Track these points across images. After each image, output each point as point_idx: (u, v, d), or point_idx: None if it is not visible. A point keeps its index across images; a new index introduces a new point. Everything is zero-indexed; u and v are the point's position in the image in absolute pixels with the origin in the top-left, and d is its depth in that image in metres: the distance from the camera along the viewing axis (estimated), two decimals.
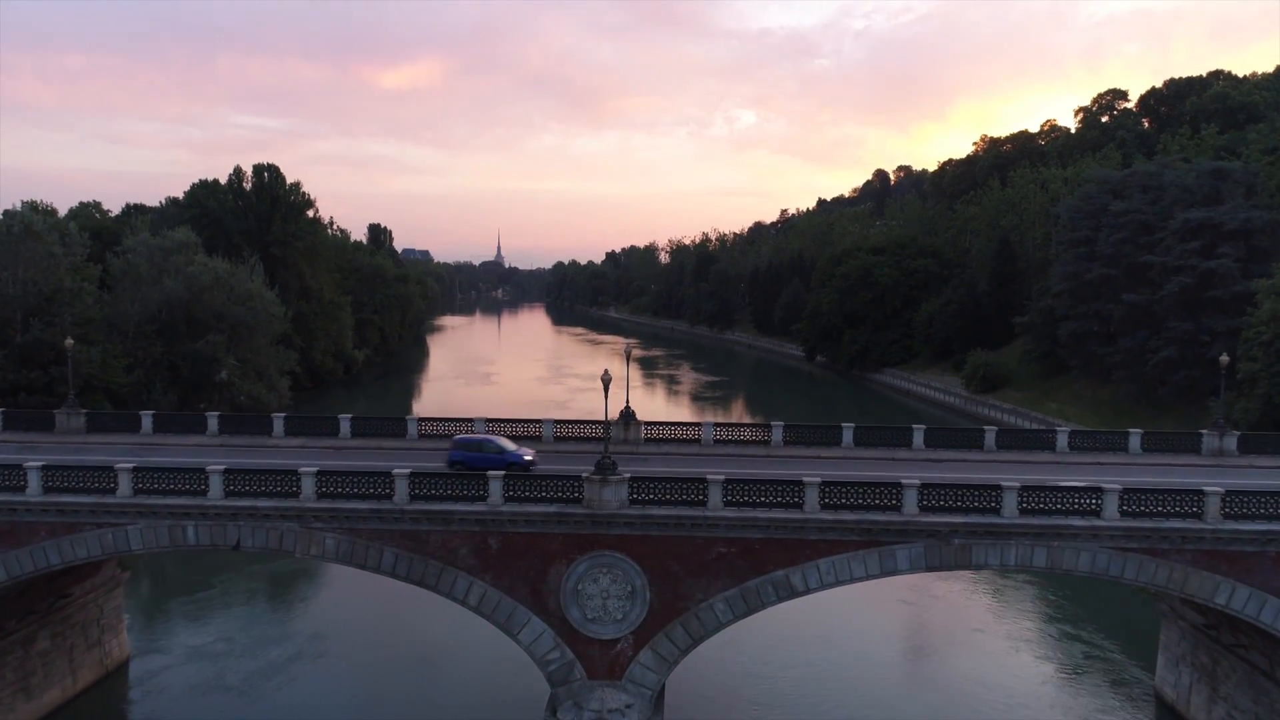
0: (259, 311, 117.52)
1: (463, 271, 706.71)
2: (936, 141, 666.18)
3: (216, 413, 50.35)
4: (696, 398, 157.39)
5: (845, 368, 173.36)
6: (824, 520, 34.14)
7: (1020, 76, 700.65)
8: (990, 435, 46.87)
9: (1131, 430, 47.21)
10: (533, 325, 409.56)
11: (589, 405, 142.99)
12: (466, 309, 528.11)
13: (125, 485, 35.73)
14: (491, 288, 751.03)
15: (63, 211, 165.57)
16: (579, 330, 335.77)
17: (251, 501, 35.51)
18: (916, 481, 34.65)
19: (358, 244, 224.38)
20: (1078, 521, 34.05)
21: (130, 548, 36.28)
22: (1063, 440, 46.77)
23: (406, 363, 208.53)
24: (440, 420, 49.36)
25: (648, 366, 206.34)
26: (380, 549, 35.71)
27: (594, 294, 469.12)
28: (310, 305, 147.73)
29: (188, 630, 54.50)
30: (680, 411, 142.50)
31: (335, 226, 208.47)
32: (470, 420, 48.61)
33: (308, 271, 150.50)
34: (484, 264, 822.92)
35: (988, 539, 34.32)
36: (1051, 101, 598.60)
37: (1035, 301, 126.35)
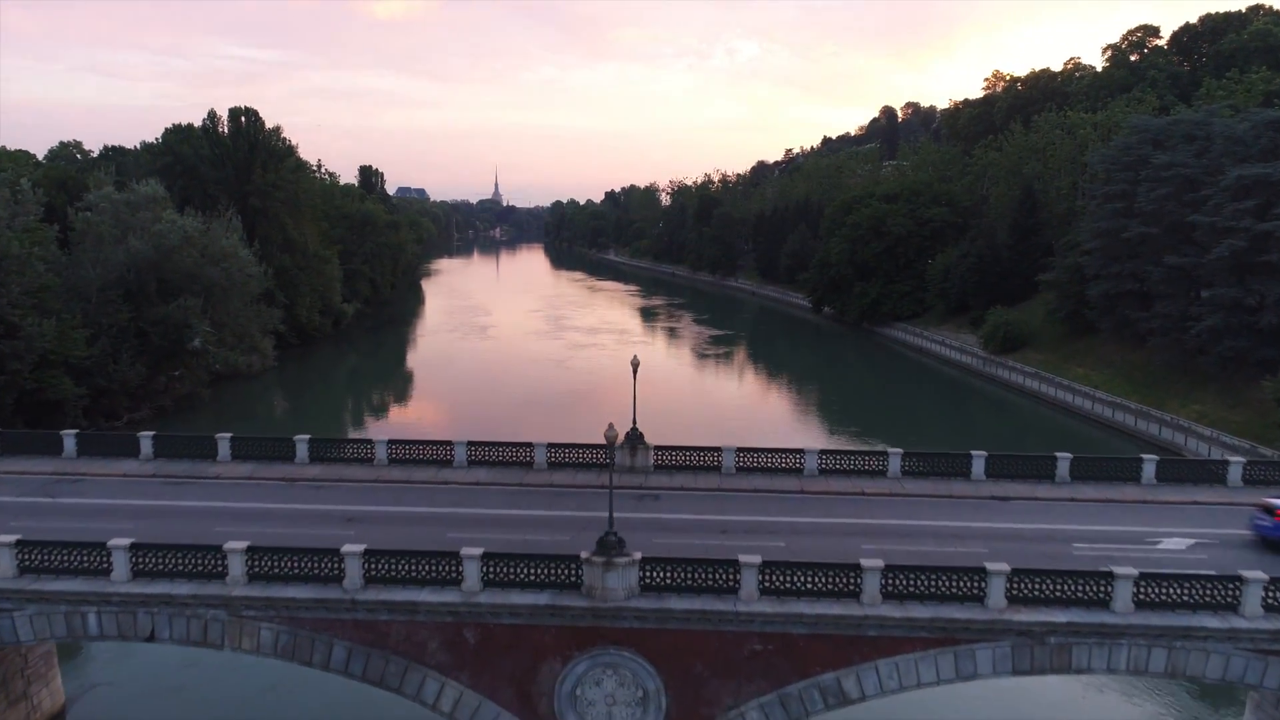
0: (235, 272, 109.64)
1: (460, 210, 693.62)
2: (944, 75, 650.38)
3: (150, 433, 42.76)
4: (700, 355, 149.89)
5: (854, 321, 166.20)
6: (888, 617, 27.09)
7: (1029, 4, 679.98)
8: (1064, 464, 39.39)
9: (1232, 459, 39.79)
10: (531, 268, 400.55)
11: (589, 363, 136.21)
12: (464, 249, 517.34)
13: (7, 564, 28.54)
14: (489, 227, 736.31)
15: (42, 153, 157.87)
16: (578, 275, 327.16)
17: (167, 587, 28.35)
18: (1005, 568, 27.44)
19: (347, 187, 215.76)
20: (1211, 621, 27.01)
21: (19, 638, 29.19)
22: (1149, 470, 39.35)
23: (400, 313, 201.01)
24: (414, 443, 41.85)
25: (648, 318, 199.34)
26: (329, 642, 28.59)
27: (593, 235, 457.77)
28: (294, 259, 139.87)
29: (141, 658, 47.14)
30: (682, 372, 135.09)
31: (323, 169, 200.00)
32: (450, 444, 41.23)
33: (290, 223, 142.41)
34: (481, 202, 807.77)
35: (1093, 638, 27.26)
36: (1064, 34, 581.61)
37: (1060, 257, 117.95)
